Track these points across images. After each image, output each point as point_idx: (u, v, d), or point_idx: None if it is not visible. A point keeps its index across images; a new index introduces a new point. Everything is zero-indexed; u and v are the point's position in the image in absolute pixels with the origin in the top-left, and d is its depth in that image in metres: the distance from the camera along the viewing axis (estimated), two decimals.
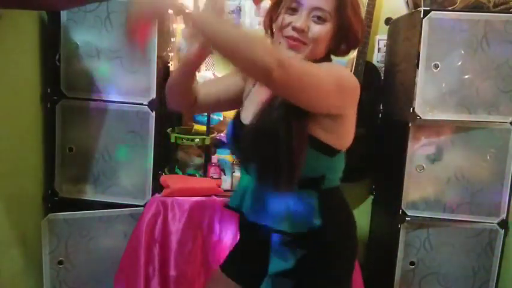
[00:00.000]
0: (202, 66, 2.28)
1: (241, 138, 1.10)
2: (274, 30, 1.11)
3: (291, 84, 0.89)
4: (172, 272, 1.85)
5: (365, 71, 2.15)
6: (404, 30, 2.05)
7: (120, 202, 1.98)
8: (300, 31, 1.02)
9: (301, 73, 0.91)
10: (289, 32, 1.04)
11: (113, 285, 1.88)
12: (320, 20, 1.03)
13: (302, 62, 0.98)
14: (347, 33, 1.07)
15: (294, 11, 1.04)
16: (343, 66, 1.16)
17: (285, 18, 1.04)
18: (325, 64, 1.07)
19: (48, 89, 1.93)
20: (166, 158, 2.16)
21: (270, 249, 1.08)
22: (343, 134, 1.08)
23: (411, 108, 1.86)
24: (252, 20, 2.39)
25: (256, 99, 1.13)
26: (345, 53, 1.12)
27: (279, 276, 1.06)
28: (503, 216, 1.91)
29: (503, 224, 1.91)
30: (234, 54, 0.86)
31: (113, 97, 1.93)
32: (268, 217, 1.08)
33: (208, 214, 1.89)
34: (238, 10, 2.38)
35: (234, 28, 0.96)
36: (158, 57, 1.91)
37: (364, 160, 2.24)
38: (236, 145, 1.16)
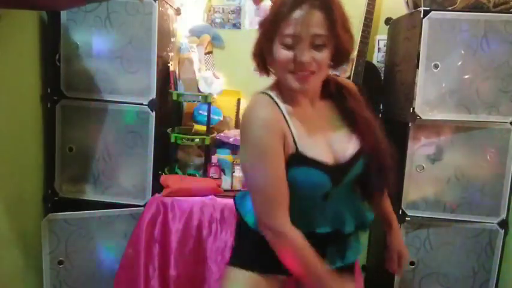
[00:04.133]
0: (203, 67, 2.29)
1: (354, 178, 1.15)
2: (269, 61, 1.09)
3: None
4: (172, 272, 1.85)
5: (365, 71, 2.15)
6: (404, 30, 2.05)
7: (120, 202, 1.98)
8: (308, 65, 1.01)
9: None
10: (294, 66, 1.02)
11: (113, 285, 1.88)
12: (320, 46, 1.01)
13: None
14: (341, 50, 1.06)
15: (291, 44, 1.01)
16: None
17: (284, 53, 1.02)
18: None
19: (48, 89, 1.93)
20: (166, 158, 2.16)
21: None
22: None
23: (411, 108, 1.86)
24: (252, 20, 2.39)
25: (318, 136, 1.11)
26: (339, 66, 1.13)
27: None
28: (503, 216, 1.91)
29: (503, 224, 1.91)
30: None
31: (113, 97, 1.93)
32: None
33: (208, 214, 1.89)
34: (238, 10, 2.38)
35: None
36: (158, 57, 1.91)
37: None
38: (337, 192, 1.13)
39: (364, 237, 2.43)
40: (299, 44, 1.00)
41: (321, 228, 1.13)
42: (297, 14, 0.99)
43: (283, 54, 1.02)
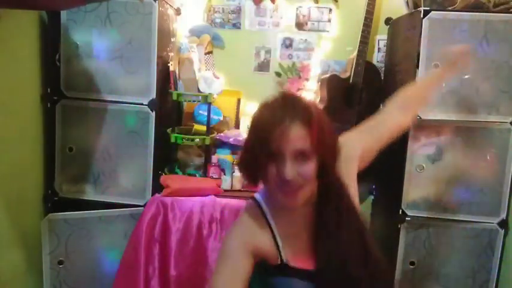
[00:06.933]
0: (203, 67, 2.29)
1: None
2: (258, 175, 1.07)
3: None
4: (172, 272, 1.86)
5: (365, 71, 2.15)
6: (404, 30, 2.05)
7: (120, 202, 1.98)
8: (293, 182, 0.99)
9: None
10: (280, 183, 1.00)
11: (113, 285, 1.88)
12: (304, 160, 0.99)
13: None
14: (325, 162, 1.03)
15: (276, 160, 0.99)
16: None
17: (271, 170, 1.00)
18: None
19: (48, 89, 1.93)
20: (166, 158, 2.16)
21: None
22: None
23: None
24: (252, 20, 2.39)
25: (302, 241, 1.09)
26: (324, 177, 1.07)
27: None
28: (503, 216, 1.91)
29: (503, 224, 1.91)
30: None
31: (113, 97, 1.93)
32: None
33: (208, 214, 1.89)
34: (238, 10, 2.39)
35: None
36: (158, 57, 1.91)
37: None
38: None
39: None
40: (283, 160, 0.98)
41: None
42: (278, 131, 0.97)
43: (270, 171, 1.00)
